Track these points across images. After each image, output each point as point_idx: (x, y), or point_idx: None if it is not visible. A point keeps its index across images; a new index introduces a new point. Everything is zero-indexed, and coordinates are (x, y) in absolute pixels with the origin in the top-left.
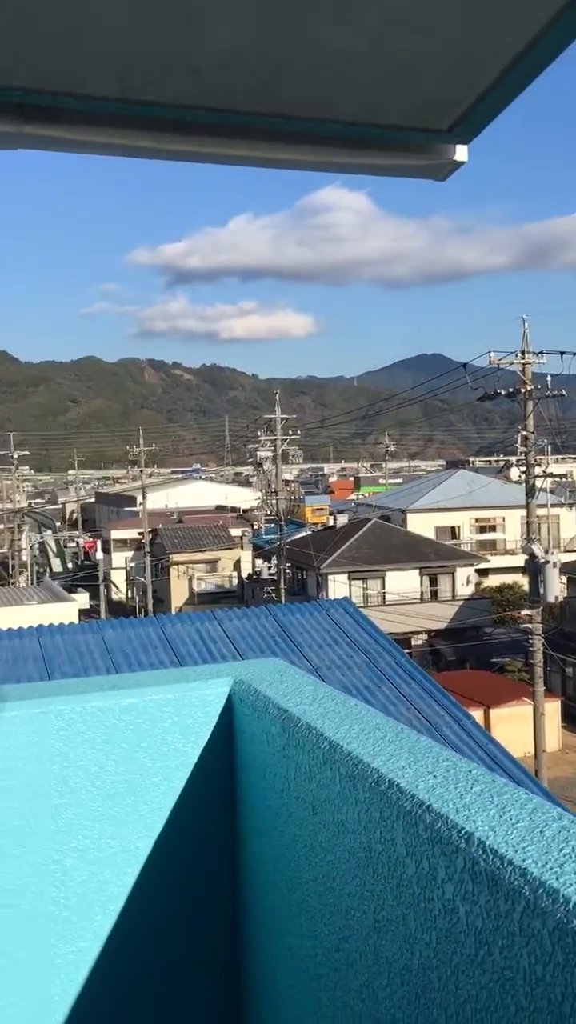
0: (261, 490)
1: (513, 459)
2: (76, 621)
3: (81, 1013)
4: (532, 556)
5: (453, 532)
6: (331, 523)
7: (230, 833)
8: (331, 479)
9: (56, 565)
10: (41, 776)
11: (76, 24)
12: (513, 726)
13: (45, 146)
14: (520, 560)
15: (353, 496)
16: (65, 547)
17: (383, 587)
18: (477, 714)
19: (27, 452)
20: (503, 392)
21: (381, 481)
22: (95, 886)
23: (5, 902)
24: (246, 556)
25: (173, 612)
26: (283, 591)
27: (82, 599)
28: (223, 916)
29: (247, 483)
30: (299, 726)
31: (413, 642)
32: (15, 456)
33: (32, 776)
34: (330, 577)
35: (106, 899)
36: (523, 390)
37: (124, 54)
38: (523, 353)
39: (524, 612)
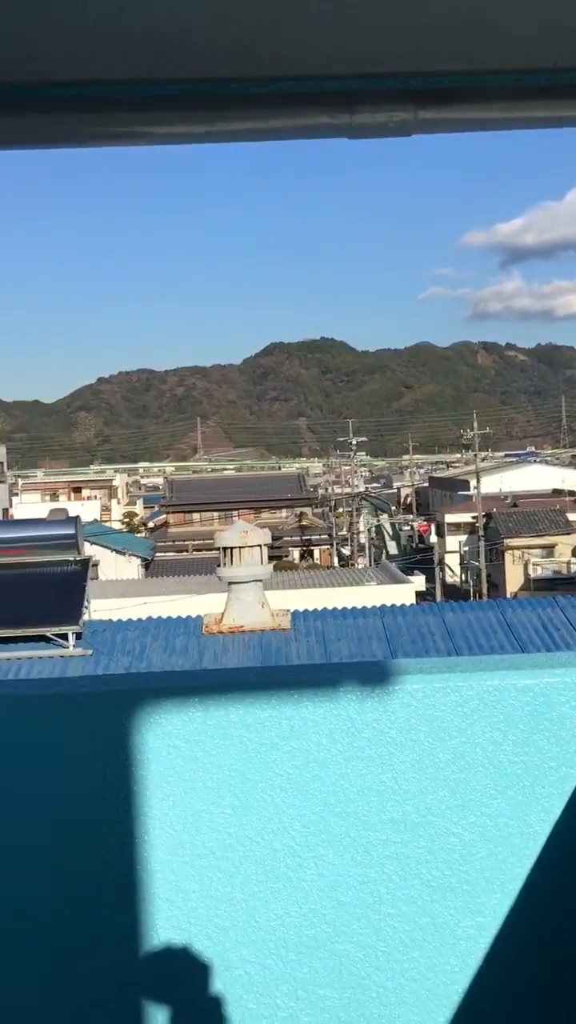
0: None
1: None
2: (413, 602)
3: (479, 989)
4: None
5: None
6: None
7: None
8: None
9: (392, 548)
10: (439, 749)
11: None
12: None
13: (439, 128)
14: None
15: None
16: (400, 530)
17: None
18: None
19: (364, 438)
20: None
21: None
22: (493, 864)
23: (408, 870)
24: None
25: (508, 597)
26: None
27: (418, 581)
28: None
29: None
30: None
31: None
32: (353, 442)
33: (430, 749)
34: None
35: (505, 879)
36: None
37: (526, 21)
38: None
39: None
